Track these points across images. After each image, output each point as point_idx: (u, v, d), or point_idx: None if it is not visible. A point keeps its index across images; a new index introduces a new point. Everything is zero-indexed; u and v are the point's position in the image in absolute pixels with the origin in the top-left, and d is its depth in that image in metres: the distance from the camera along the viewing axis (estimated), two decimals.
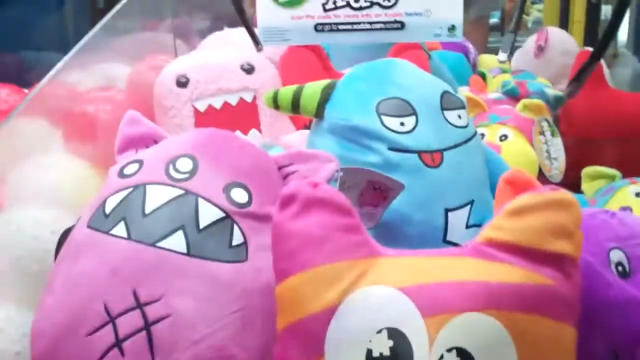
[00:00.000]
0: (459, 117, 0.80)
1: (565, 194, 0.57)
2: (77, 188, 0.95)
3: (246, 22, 1.10)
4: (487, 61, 1.81)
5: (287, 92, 0.81)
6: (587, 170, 0.97)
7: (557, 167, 1.13)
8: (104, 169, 1.03)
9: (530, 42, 1.80)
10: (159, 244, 0.61)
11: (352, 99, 0.78)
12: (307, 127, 1.14)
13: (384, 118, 0.76)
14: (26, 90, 1.49)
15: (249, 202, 0.64)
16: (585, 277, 0.58)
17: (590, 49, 1.83)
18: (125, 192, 0.64)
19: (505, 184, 0.71)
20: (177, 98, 1.06)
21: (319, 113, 0.79)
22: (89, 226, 0.64)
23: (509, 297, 0.53)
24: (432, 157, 0.76)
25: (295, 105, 0.81)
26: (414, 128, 0.76)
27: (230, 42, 1.32)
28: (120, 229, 0.62)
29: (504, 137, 1.10)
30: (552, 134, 1.14)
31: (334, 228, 0.56)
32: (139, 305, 0.59)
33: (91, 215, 0.65)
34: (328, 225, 0.56)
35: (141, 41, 1.19)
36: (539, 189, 0.58)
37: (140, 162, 0.67)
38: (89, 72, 1.03)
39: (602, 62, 1.41)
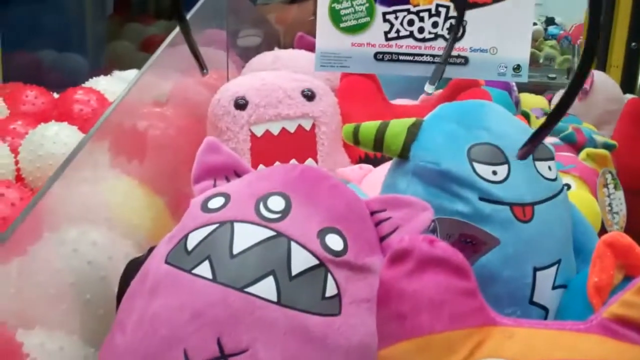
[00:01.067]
0: (549, 168, 0.76)
1: None
2: (127, 207, 0.91)
3: (190, 42, 0.91)
4: (529, 100, 1.77)
5: (369, 128, 0.77)
6: None
7: (618, 221, 1.09)
8: (152, 188, 0.98)
9: None
10: (248, 289, 0.55)
11: (441, 142, 0.74)
12: (362, 160, 1.10)
13: (475, 165, 0.72)
14: (55, 94, 1.44)
15: (345, 250, 0.59)
16: None
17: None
18: (210, 228, 0.59)
19: (605, 246, 0.67)
20: (234, 120, 1.01)
21: (404, 153, 0.75)
22: (167, 262, 0.59)
23: None
24: (524, 211, 0.71)
25: (378, 143, 0.76)
26: (506, 178, 0.72)
27: (281, 63, 1.28)
28: (204, 269, 0.57)
29: (567, 187, 1.05)
30: (615, 187, 1.10)
31: (452, 291, 0.51)
32: (223, 356, 0.54)
33: (170, 250, 0.60)
34: (446, 287, 0.51)
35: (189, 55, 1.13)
36: None
37: (227, 196, 0.62)
38: (138, 87, 0.98)
39: None
